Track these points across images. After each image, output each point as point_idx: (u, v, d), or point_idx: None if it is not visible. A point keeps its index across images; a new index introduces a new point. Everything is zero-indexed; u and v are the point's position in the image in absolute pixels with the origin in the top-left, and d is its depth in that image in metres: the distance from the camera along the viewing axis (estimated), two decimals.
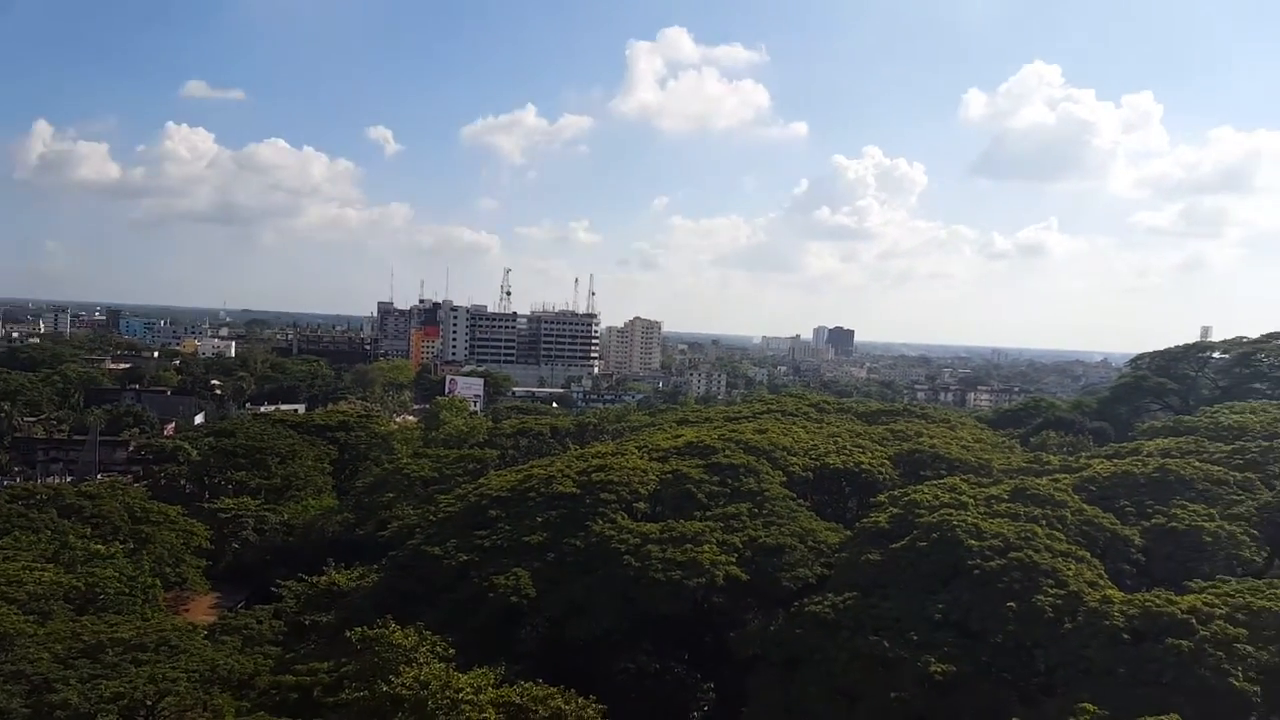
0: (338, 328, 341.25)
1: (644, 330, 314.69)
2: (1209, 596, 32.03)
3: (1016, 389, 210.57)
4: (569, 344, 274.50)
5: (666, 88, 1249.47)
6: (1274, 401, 60.69)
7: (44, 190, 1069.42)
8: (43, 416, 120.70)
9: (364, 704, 30.89)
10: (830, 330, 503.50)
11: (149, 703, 33.98)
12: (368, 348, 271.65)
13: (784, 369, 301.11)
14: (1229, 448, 46.59)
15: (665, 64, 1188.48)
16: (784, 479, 47.11)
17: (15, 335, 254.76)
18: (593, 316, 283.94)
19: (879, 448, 54.26)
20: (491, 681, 31.83)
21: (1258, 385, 72.08)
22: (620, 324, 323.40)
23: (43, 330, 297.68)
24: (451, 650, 33.69)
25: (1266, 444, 46.02)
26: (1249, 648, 28.95)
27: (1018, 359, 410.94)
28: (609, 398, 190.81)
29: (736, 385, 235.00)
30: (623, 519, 43.47)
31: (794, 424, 61.42)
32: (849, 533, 42.25)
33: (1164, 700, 27.69)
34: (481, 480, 54.15)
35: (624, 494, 45.19)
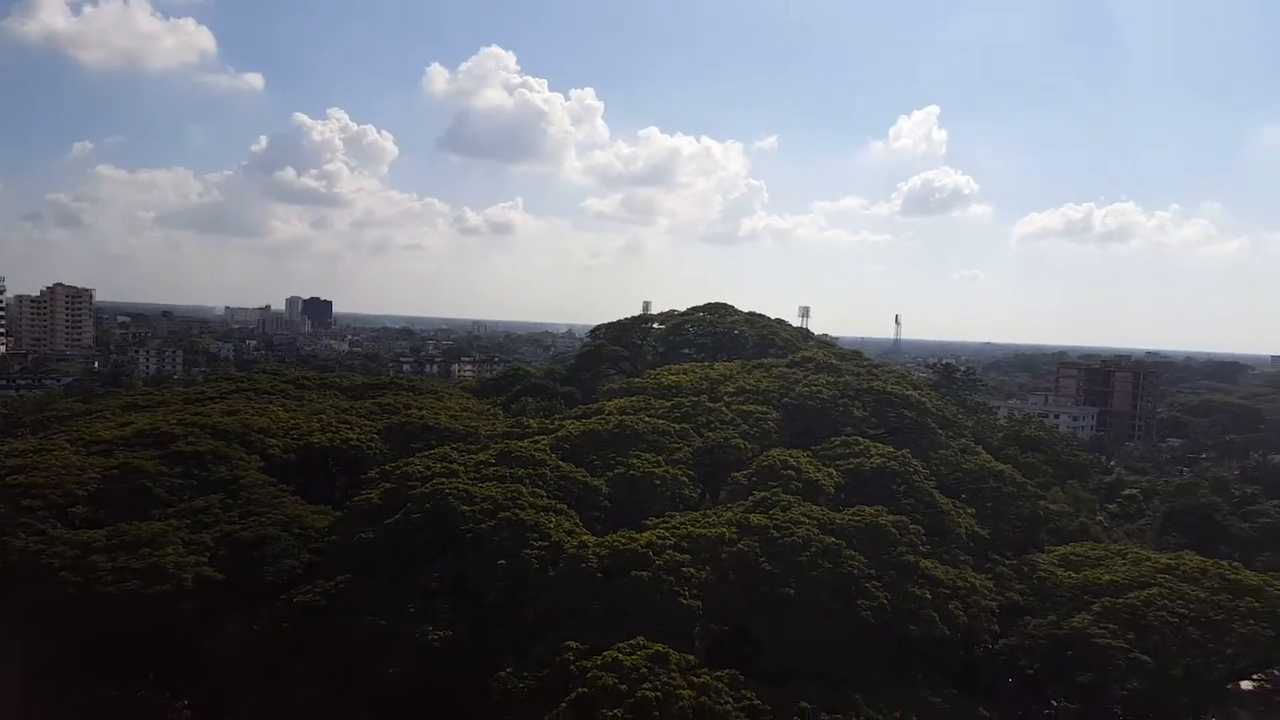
0: None
1: (69, 300, 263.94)
2: (661, 530, 37.33)
3: (496, 359, 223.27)
4: None
5: (82, 14, 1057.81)
6: (700, 363, 73.18)
7: None
8: None
9: None
10: (306, 301, 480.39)
11: None
12: None
13: (254, 343, 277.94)
14: (669, 403, 54.61)
15: None
16: (262, 463, 43.54)
17: None
18: None
19: (367, 422, 52.97)
20: None
21: (686, 350, 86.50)
22: (35, 292, 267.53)
23: None
24: None
25: (696, 399, 55.07)
26: (692, 570, 34.43)
27: (495, 330, 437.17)
28: (24, 382, 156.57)
29: (197, 363, 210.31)
30: (55, 528, 36.01)
31: (271, 403, 56.98)
32: (339, 514, 40.41)
33: (631, 626, 31.53)
34: None
35: (54, 497, 37.76)
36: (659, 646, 30.23)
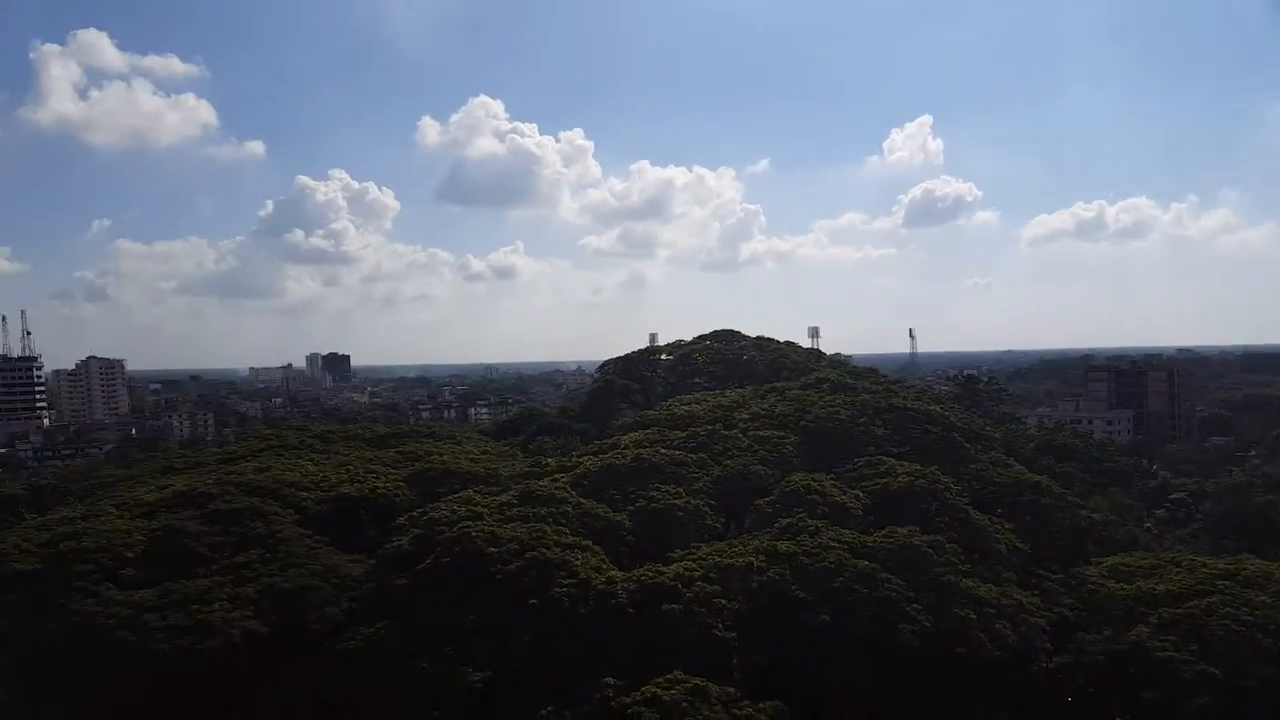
0: None
1: (103, 371, 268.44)
2: (688, 562, 37.46)
3: (511, 400, 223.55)
4: (4, 395, 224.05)
5: (90, 98, 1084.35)
6: (711, 391, 73.36)
7: None
8: None
9: None
10: (325, 357, 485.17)
11: None
12: None
13: (279, 401, 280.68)
14: (684, 433, 54.80)
15: (84, 71, 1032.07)
16: (297, 516, 44.30)
17: None
18: (32, 359, 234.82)
19: (392, 471, 53.66)
20: None
21: (697, 380, 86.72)
22: (71, 366, 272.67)
23: None
24: None
25: (711, 427, 55.26)
26: (723, 601, 34.43)
27: (508, 372, 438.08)
28: (68, 453, 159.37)
29: (228, 423, 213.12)
30: (108, 590, 37.23)
31: (300, 458, 57.86)
32: (372, 562, 40.93)
33: (666, 661, 31.52)
34: None
35: (104, 561, 38.82)
36: (697, 680, 30.16)
